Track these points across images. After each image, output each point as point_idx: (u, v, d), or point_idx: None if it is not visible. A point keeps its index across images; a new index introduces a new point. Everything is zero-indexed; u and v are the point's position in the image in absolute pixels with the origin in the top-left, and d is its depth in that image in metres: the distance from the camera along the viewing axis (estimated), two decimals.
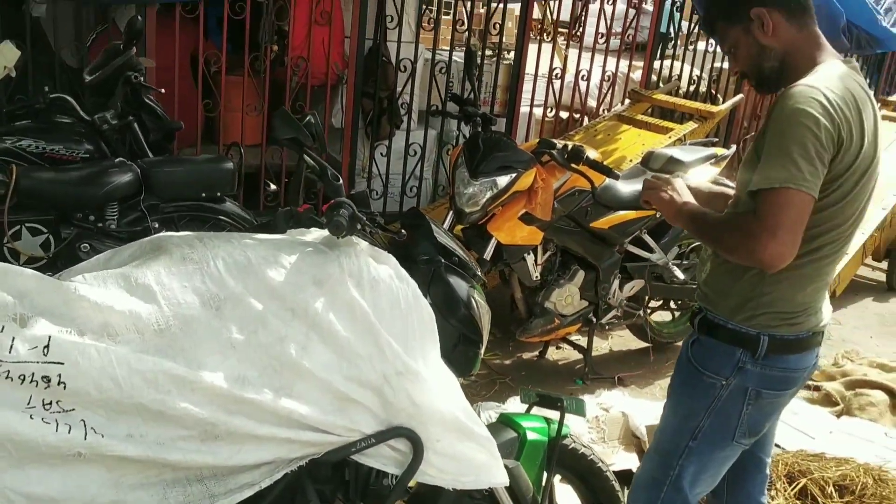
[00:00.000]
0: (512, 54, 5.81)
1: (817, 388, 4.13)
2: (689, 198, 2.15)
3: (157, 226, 3.17)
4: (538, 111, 5.73)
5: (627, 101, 5.98)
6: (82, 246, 3.05)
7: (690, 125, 5.24)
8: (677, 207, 2.11)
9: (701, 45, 6.48)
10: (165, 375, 1.63)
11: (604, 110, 6.06)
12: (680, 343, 4.56)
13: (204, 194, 3.34)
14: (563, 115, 5.85)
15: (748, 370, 2.06)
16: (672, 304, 4.52)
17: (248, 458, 1.73)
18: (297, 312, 1.78)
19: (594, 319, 4.06)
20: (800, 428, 3.75)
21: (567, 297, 3.90)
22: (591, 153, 3.63)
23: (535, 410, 2.41)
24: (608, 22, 5.63)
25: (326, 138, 4.85)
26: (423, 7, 5.07)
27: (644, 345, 4.57)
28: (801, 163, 1.80)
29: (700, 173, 4.18)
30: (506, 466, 2.15)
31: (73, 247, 3.07)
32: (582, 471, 2.38)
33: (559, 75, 5.67)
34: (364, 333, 1.83)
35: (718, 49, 6.14)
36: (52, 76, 4.01)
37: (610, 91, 5.97)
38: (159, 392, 1.62)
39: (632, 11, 5.99)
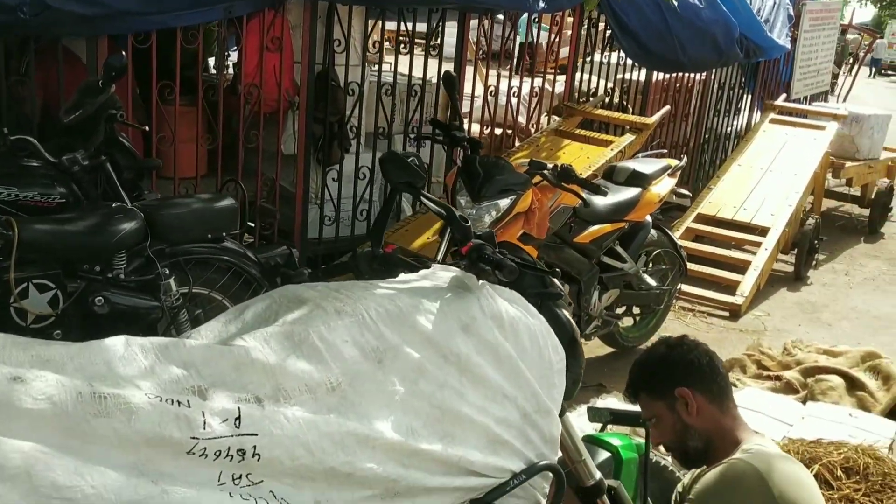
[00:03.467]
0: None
1: (778, 378, 4.45)
2: None
3: (167, 272, 3.01)
4: (475, 128, 5.83)
5: (555, 116, 6.20)
6: (97, 300, 2.84)
7: (629, 137, 5.51)
8: None
9: (612, 58, 6.80)
10: (350, 436, 1.59)
11: (532, 125, 6.24)
12: (643, 346, 4.81)
13: (210, 235, 3.20)
14: (497, 131, 5.98)
15: None
16: (634, 310, 4.72)
17: None
18: (449, 359, 1.78)
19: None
20: (775, 416, 4.02)
21: None
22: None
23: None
24: (535, 41, 5.82)
25: (279, 167, 4.77)
26: (369, 30, 5.05)
27: (609, 350, 4.78)
28: None
29: (662, 185, 4.43)
30: (610, 488, 2.22)
31: (84, 301, 2.86)
32: (663, 484, 2.47)
33: (493, 93, 5.80)
34: (509, 374, 1.85)
35: (624, 60, 6.50)
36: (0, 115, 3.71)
37: (538, 107, 6.16)
38: (347, 454, 1.58)
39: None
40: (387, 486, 1.64)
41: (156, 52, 4.03)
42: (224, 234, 3.26)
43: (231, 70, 5.42)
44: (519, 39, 6.87)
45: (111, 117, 3.28)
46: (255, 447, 1.49)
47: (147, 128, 3.75)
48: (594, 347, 4.82)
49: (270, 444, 1.50)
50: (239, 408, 1.50)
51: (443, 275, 1.97)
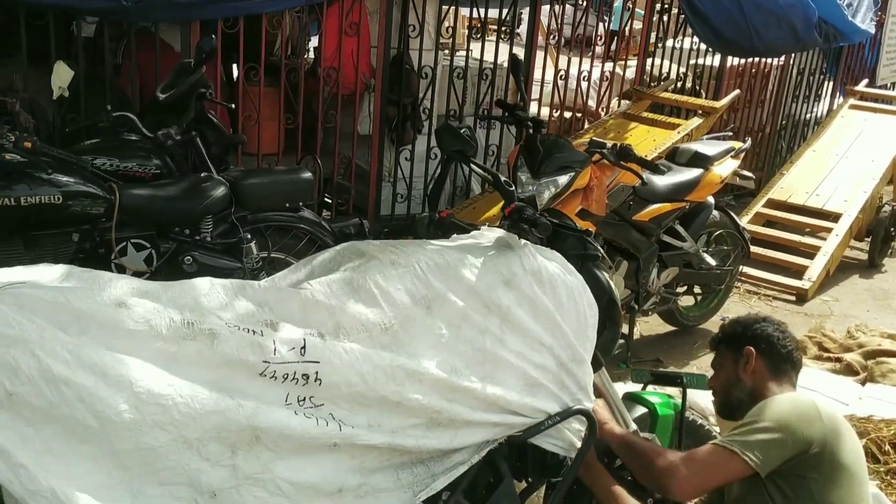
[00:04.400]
0: None
1: (838, 360, 4.47)
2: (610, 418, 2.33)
3: (248, 236, 3.30)
4: (544, 111, 5.98)
5: (625, 100, 6.29)
6: (186, 259, 3.16)
7: (696, 121, 5.57)
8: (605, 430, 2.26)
9: (686, 43, 6.83)
10: (400, 369, 1.82)
11: (601, 109, 6.35)
12: (703, 325, 4.91)
13: (287, 204, 3.48)
14: (567, 114, 6.12)
15: None
16: (696, 290, 4.81)
17: (465, 441, 1.93)
18: (491, 308, 1.98)
19: (636, 306, 4.32)
20: (832, 396, 4.07)
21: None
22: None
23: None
24: (607, 26, 5.92)
25: (355, 146, 5.04)
26: (443, 16, 5.26)
27: (670, 328, 4.88)
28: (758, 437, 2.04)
29: (724, 166, 4.50)
30: (645, 439, 2.39)
31: (175, 260, 3.18)
32: (699, 441, 2.61)
33: (563, 76, 5.93)
34: (547, 325, 2.04)
35: (698, 46, 6.52)
36: (104, 95, 4.07)
37: (608, 91, 6.26)
38: (397, 384, 1.81)
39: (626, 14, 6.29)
40: (431, 416, 1.86)
41: (243, 37, 4.33)
42: (301, 204, 3.54)
43: (311, 54, 5.71)
44: (612, 26, 6.96)
45: (201, 96, 3.59)
46: (317, 373, 1.73)
47: (234, 106, 4.04)
48: (655, 325, 4.93)
49: (330, 371, 1.74)
50: (304, 339, 1.74)
51: (488, 235, 2.17)
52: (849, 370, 4.38)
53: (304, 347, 1.73)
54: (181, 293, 1.75)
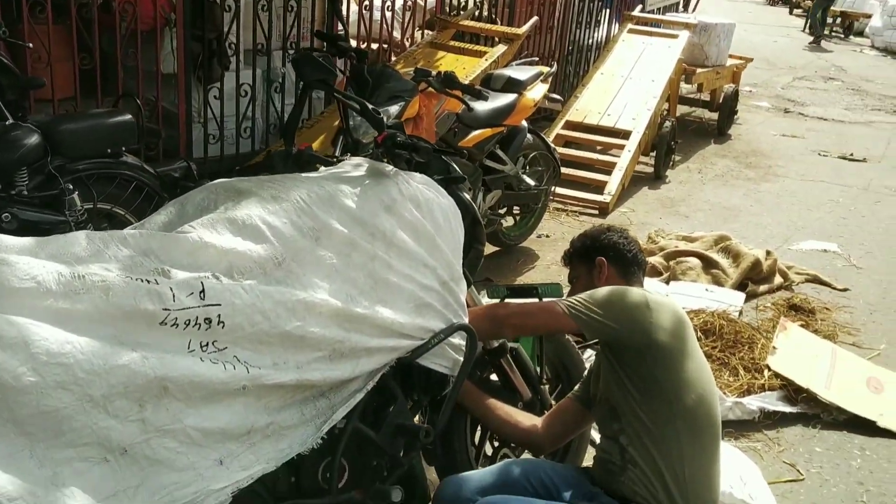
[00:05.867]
0: None
1: None
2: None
3: (70, 187, 3.04)
4: (352, 44, 5.90)
5: (428, 30, 6.35)
6: (3, 216, 2.85)
7: (501, 48, 5.75)
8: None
9: None
10: (300, 303, 1.80)
11: (406, 39, 6.38)
12: (523, 244, 5.20)
13: (109, 150, 3.23)
14: (374, 46, 6.09)
15: None
16: (515, 210, 5.07)
17: (365, 368, 1.96)
18: (375, 235, 2.01)
19: None
20: None
21: None
22: None
23: None
24: None
25: (160, 86, 4.74)
26: None
27: (494, 249, 5.12)
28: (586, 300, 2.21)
29: (536, 90, 4.73)
30: (511, 349, 2.55)
31: None
32: (557, 346, 2.82)
33: (367, 7, 5.88)
34: (428, 247, 2.10)
35: None
36: None
37: (412, 20, 6.29)
38: (298, 319, 1.80)
39: None
40: (334, 347, 1.88)
41: None
42: (123, 149, 3.30)
43: None
44: None
45: None
46: (219, 316, 1.68)
47: (31, 45, 3.65)
48: None
49: (232, 312, 1.70)
50: (202, 282, 1.68)
51: (358, 165, 2.18)
52: (654, 272, 4.84)
53: (202, 291, 1.67)
54: (59, 248, 1.62)
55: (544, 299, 2.70)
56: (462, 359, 2.22)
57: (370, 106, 2.22)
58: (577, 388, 2.47)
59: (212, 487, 1.67)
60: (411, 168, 2.24)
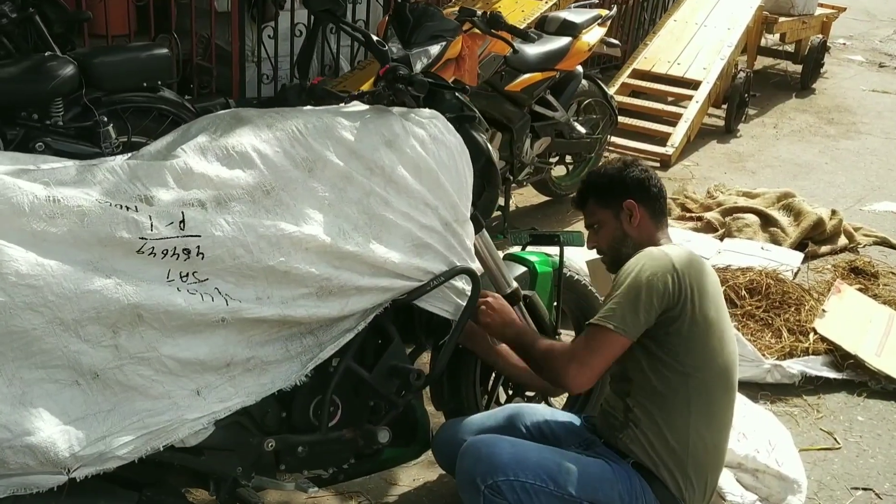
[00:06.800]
0: None
1: (699, 219, 4.75)
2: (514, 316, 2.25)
3: (105, 119, 3.09)
4: None
5: None
6: (37, 145, 2.92)
7: None
8: (502, 319, 2.21)
9: None
10: (285, 238, 1.77)
11: None
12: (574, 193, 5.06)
13: (144, 83, 3.26)
14: None
15: None
16: (567, 159, 4.93)
17: (355, 308, 1.93)
18: (374, 170, 1.95)
19: (511, 177, 4.39)
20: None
21: None
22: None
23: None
24: None
25: (214, 24, 4.76)
26: None
27: (543, 198, 5.01)
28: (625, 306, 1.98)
29: (592, 33, 4.54)
30: (526, 296, 2.47)
31: (25, 147, 2.94)
32: (578, 295, 2.74)
33: None
34: (431, 186, 2.03)
35: None
36: None
37: None
38: (283, 254, 1.77)
39: None
40: (321, 284, 1.84)
41: None
42: (159, 83, 3.33)
43: None
44: None
45: None
46: (198, 247, 1.67)
47: None
48: (529, 196, 5.05)
49: (213, 244, 1.68)
50: (183, 212, 1.66)
51: (364, 105, 2.11)
52: (709, 227, 4.66)
53: (182, 221, 1.66)
54: (42, 171, 1.62)
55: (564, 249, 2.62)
56: (464, 303, 2.16)
57: (375, 38, 2.15)
58: None
59: (186, 417, 1.68)
60: (420, 105, 2.16)
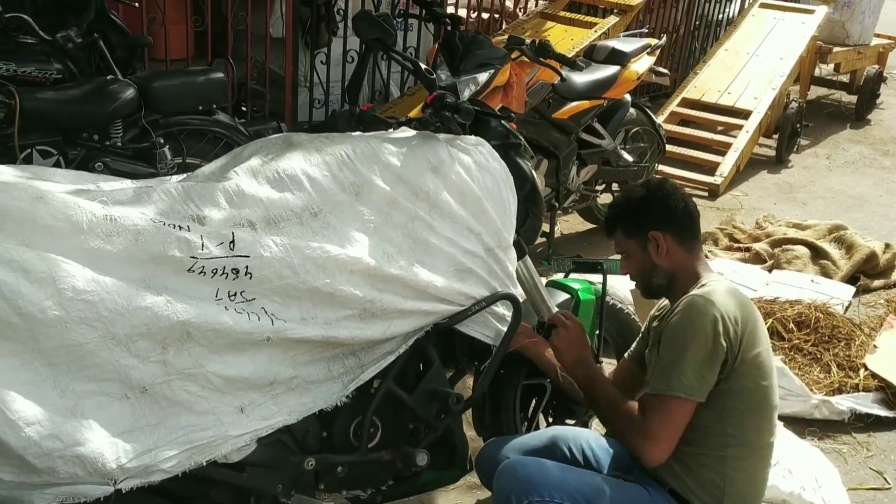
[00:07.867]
0: None
1: (748, 249, 4.69)
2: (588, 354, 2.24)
3: (161, 140, 3.19)
4: (462, 13, 5.88)
5: (542, 0, 6.23)
6: (96, 165, 3.04)
7: (612, 19, 5.57)
8: (578, 354, 2.20)
9: None
10: (331, 260, 1.81)
11: (519, 10, 6.29)
12: None
13: (200, 107, 3.36)
14: (485, 15, 6.04)
15: None
16: (613, 187, 4.92)
17: (398, 331, 1.95)
18: (419, 195, 1.99)
19: (556, 204, 4.40)
20: (741, 283, 4.27)
21: None
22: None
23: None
24: None
25: (268, 50, 4.87)
26: None
27: (589, 226, 5.00)
28: (689, 371, 1.92)
29: (641, 62, 4.55)
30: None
31: (84, 167, 3.05)
32: (620, 324, 2.73)
33: None
34: (475, 212, 2.06)
35: None
36: None
37: None
38: (328, 276, 1.81)
39: None
40: (364, 306, 1.88)
41: None
42: (214, 106, 3.42)
43: None
44: None
45: None
46: (247, 267, 1.72)
47: (136, 4, 3.83)
48: (574, 223, 5.04)
49: (261, 264, 1.73)
50: (233, 233, 1.72)
51: (411, 131, 2.16)
52: (757, 258, 4.59)
53: (232, 242, 1.71)
54: (100, 190, 1.69)
55: (608, 276, 2.61)
56: (505, 329, 2.17)
57: (423, 66, 2.19)
58: (632, 347, 2.37)
59: (230, 433, 1.71)
60: (466, 132, 2.20)
